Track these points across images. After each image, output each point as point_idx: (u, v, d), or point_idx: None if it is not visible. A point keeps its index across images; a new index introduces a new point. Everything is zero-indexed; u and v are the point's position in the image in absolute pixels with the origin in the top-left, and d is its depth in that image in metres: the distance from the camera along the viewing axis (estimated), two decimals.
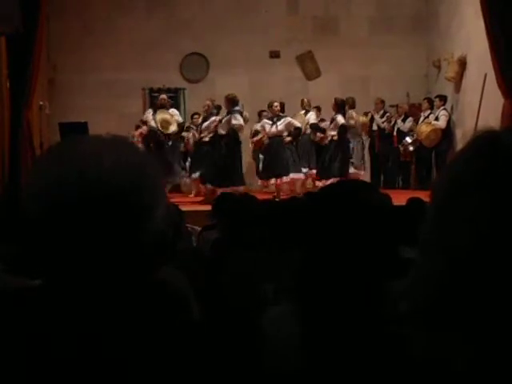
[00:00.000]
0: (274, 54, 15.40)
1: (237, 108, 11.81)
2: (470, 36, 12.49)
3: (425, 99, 13.91)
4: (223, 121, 11.87)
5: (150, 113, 12.34)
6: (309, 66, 15.47)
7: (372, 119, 13.85)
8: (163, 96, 12.60)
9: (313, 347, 1.50)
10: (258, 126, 12.93)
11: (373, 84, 14.95)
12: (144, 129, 12.48)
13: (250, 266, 3.39)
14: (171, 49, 14.89)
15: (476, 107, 11.89)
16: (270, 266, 3.19)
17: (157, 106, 12.41)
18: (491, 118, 10.61)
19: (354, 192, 1.77)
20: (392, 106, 14.13)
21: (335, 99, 12.30)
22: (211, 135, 12.17)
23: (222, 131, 11.85)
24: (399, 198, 7.10)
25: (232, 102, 11.75)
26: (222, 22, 14.89)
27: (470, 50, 12.72)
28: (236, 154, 11.83)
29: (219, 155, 11.76)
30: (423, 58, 15.29)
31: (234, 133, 11.77)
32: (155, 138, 12.05)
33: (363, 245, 1.63)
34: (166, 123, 12.02)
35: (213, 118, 12.22)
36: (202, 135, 12.45)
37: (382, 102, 13.51)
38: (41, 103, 11.50)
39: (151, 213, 1.41)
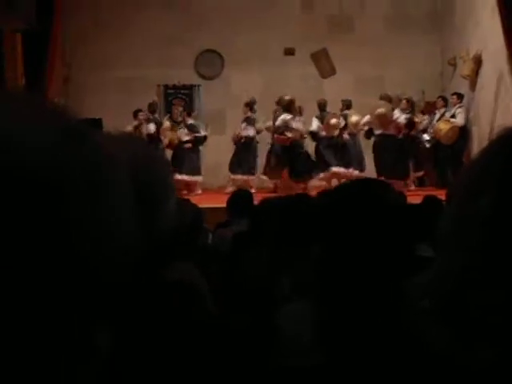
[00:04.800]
0: (289, 52, 15.37)
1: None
2: (486, 33, 12.42)
3: (439, 97, 13.84)
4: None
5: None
6: (323, 63, 15.41)
7: None
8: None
9: (330, 345, 1.49)
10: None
11: (388, 82, 14.89)
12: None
13: (266, 263, 3.39)
14: (186, 45, 14.91)
15: (492, 105, 11.83)
16: (287, 262, 3.18)
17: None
18: (508, 115, 10.54)
19: (370, 190, 1.77)
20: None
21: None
22: None
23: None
24: (414, 197, 7.08)
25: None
26: (237, 19, 14.89)
27: (486, 48, 12.64)
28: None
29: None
30: (438, 56, 15.23)
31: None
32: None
33: (380, 243, 1.62)
34: None
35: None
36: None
37: (400, 100, 13.42)
38: (56, 100, 11.53)
39: (162, 207, 1.42)
